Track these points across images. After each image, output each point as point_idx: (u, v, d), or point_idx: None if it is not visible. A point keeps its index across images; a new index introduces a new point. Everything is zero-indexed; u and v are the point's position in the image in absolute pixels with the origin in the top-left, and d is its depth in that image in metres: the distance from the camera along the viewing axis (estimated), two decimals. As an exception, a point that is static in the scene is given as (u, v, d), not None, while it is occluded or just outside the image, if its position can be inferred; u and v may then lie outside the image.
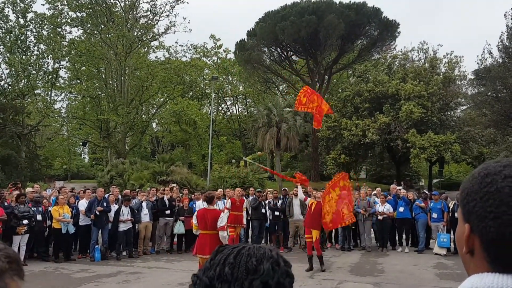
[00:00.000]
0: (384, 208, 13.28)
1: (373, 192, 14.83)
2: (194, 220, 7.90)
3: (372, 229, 13.76)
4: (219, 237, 7.60)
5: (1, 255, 0.76)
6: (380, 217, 13.24)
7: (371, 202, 13.70)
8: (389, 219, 13.28)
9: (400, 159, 31.76)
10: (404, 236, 13.85)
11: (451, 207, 13.11)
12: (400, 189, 15.11)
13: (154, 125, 44.85)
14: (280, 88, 44.16)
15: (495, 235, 0.85)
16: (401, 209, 13.26)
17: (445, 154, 27.50)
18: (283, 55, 36.64)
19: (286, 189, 15.85)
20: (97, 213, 11.59)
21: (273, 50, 36.02)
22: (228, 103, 48.56)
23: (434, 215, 12.87)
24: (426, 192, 15.89)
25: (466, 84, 32.52)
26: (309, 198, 11.63)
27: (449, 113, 30.38)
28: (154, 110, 38.66)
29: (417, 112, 26.24)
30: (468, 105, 33.66)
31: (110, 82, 33.28)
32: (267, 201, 14.15)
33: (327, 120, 29.81)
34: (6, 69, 33.50)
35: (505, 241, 0.84)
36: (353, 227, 13.59)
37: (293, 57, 37.90)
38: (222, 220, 7.60)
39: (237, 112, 48.71)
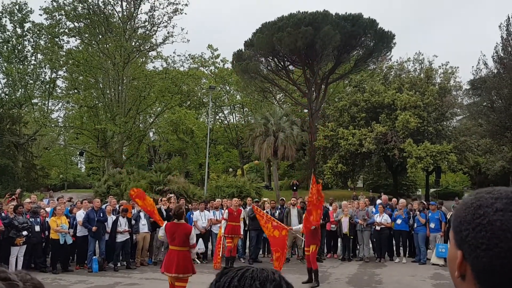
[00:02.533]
0: (382, 218, 13.32)
1: (378, 201, 14.92)
2: (161, 232, 7.50)
3: (370, 240, 13.78)
4: (190, 254, 7.29)
5: (28, 285, 0.78)
6: (377, 227, 13.27)
7: (370, 212, 13.74)
8: (387, 229, 13.31)
9: (397, 168, 31.86)
10: (401, 246, 13.88)
11: (448, 217, 13.15)
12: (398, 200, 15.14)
13: (151, 134, 44.86)
14: (277, 97, 44.30)
15: (486, 266, 0.89)
16: (398, 221, 13.27)
17: (442, 164, 27.61)
18: (280, 65, 36.87)
19: (284, 199, 15.87)
20: (95, 227, 11.58)
21: (270, 60, 36.24)
22: (225, 112, 48.69)
23: (432, 225, 12.85)
24: (424, 202, 15.93)
25: (461, 94, 32.81)
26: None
27: (445, 123, 30.57)
28: (152, 120, 38.69)
29: (413, 122, 26.40)
30: (464, 115, 33.88)
31: (108, 91, 33.32)
32: (264, 211, 14.14)
33: (324, 130, 29.94)
34: (3, 79, 33.63)
35: (495, 272, 0.88)
36: (352, 237, 13.61)
37: (290, 67, 38.12)
38: (193, 237, 7.27)
39: (234, 121, 48.80)
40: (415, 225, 13.08)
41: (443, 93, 29.07)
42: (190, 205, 14.91)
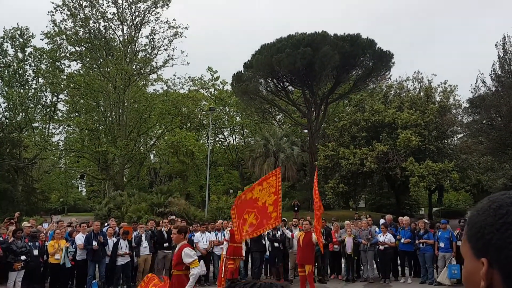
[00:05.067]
0: (385, 238, 13.13)
1: (381, 221, 14.74)
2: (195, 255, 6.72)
3: (374, 260, 13.55)
4: (188, 276, 6.26)
5: None
6: (381, 247, 13.06)
7: (373, 231, 13.56)
8: (391, 249, 13.10)
9: (399, 187, 31.67)
10: (407, 266, 13.64)
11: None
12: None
13: (152, 156, 44.82)
14: (277, 118, 44.45)
15: None
16: (403, 240, 13.06)
17: (444, 182, 27.45)
18: (279, 86, 37.09)
19: (286, 219, 15.69)
20: (96, 245, 11.38)
21: (269, 81, 36.48)
22: (225, 133, 48.75)
23: (441, 245, 12.56)
24: (426, 221, 15.70)
25: (461, 112, 32.85)
26: (296, 232, 11.38)
27: (446, 141, 30.52)
28: (152, 142, 38.71)
29: (414, 141, 26.36)
30: (464, 133, 33.87)
31: (109, 114, 33.44)
32: (265, 232, 13.95)
33: (324, 150, 29.87)
34: (4, 103, 33.79)
35: None
36: (356, 258, 13.39)
37: (289, 87, 38.36)
38: (188, 254, 6.33)
39: (234, 143, 48.80)
40: (421, 245, 12.86)
41: (443, 111, 29.13)
42: (191, 227, 14.74)
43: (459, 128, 32.17)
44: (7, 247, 10.32)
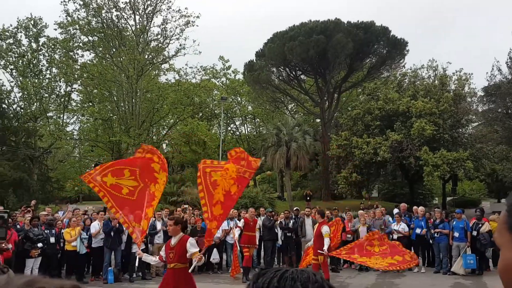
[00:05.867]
0: (399, 227, 13.06)
1: (395, 211, 14.70)
2: (162, 253, 6.37)
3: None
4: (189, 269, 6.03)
5: None
6: (395, 237, 13.00)
7: (387, 221, 13.49)
8: (405, 238, 13.03)
9: (413, 177, 31.42)
10: (420, 256, 13.57)
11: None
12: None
13: (164, 146, 45.02)
14: (289, 107, 44.27)
15: None
16: (418, 230, 12.98)
17: (458, 172, 27.17)
18: (291, 75, 36.87)
19: (298, 208, 15.71)
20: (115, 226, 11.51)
21: (281, 70, 36.27)
22: (237, 123, 48.71)
23: (456, 234, 12.44)
24: (438, 210, 15.54)
25: (476, 101, 32.38)
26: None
27: (460, 130, 30.15)
28: (165, 132, 38.88)
29: (429, 130, 26.07)
30: (479, 122, 33.41)
31: (122, 104, 33.63)
32: (278, 222, 14.00)
33: (337, 139, 29.72)
34: (19, 93, 34.14)
35: None
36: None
37: (302, 76, 38.11)
38: (194, 244, 6.13)
39: (246, 132, 48.78)
40: (436, 235, 12.77)
41: (458, 100, 28.72)
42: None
43: (474, 117, 31.73)
44: (24, 234, 10.49)
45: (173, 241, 6.15)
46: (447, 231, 12.66)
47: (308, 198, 31.10)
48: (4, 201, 27.87)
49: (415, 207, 14.81)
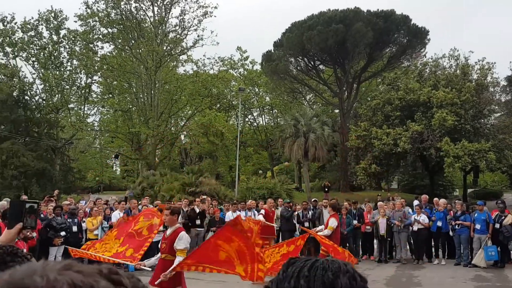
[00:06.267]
0: (420, 218, 12.92)
1: (415, 202, 14.55)
2: (188, 244, 5.96)
3: (407, 241, 13.39)
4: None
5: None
6: (415, 228, 12.87)
7: (406, 212, 13.35)
8: (425, 230, 12.89)
9: (433, 168, 30.98)
10: (440, 248, 13.42)
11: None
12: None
13: (182, 137, 45.38)
14: (307, 98, 44.01)
15: None
16: (439, 222, 12.82)
17: (480, 163, 26.68)
18: (310, 65, 36.57)
19: (317, 200, 15.66)
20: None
21: (300, 60, 36.00)
22: (255, 114, 48.65)
23: (478, 226, 12.22)
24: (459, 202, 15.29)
25: (499, 90, 31.63)
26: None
27: (482, 120, 29.55)
28: (183, 123, 39.16)
29: (450, 120, 25.63)
30: (502, 112, 32.67)
31: (141, 96, 33.96)
32: (295, 213, 13.97)
33: (356, 130, 29.45)
34: (41, 85, 34.77)
35: None
36: (389, 239, 13.26)
37: (321, 66, 37.76)
38: (184, 240, 5.73)
39: (264, 123, 48.73)
40: (457, 227, 12.59)
41: (480, 90, 28.10)
42: (222, 206, 14.96)
43: (496, 107, 31.05)
44: (47, 223, 10.74)
45: (169, 231, 5.97)
46: (468, 223, 12.46)
47: (326, 189, 30.98)
48: (28, 190, 28.58)
49: (436, 199, 14.62)
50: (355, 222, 13.51)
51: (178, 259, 5.57)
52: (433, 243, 13.35)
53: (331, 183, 35.01)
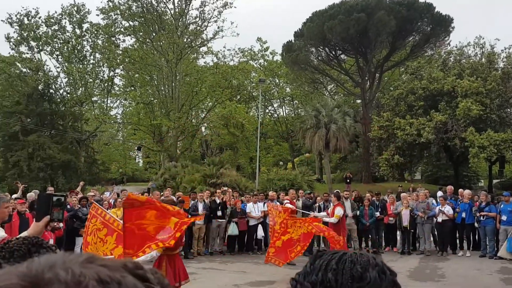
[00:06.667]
0: (444, 209, 12.72)
1: (439, 193, 14.33)
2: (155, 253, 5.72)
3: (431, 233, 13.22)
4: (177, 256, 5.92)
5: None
6: (439, 219, 12.69)
7: (430, 204, 13.16)
8: (450, 221, 12.69)
9: (458, 159, 30.37)
10: (465, 239, 13.20)
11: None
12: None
13: (203, 129, 45.66)
14: (328, 88, 43.59)
15: None
16: (464, 214, 12.59)
17: (506, 153, 26.02)
18: (331, 55, 36.17)
19: (339, 191, 15.55)
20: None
21: (320, 50, 35.63)
22: (275, 105, 48.53)
23: (504, 218, 11.94)
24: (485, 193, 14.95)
25: (527, 79, 30.62)
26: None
27: (509, 110, 28.75)
28: (203, 115, 39.37)
29: (475, 110, 25.02)
30: (530, 101, 31.67)
31: (162, 88, 34.27)
32: (316, 205, 13.89)
33: (379, 120, 29.08)
34: (65, 78, 35.46)
35: None
36: (412, 231, 13.11)
37: (342, 56, 37.30)
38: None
39: (284, 114, 48.56)
40: (482, 218, 12.35)
41: (506, 79, 27.29)
42: (243, 197, 15.03)
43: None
44: (73, 214, 11.00)
45: None
46: (493, 214, 12.21)
47: (348, 180, 30.76)
48: (54, 182, 29.31)
49: (460, 190, 14.36)
50: (377, 214, 13.40)
51: (150, 255, 5.46)
52: (457, 235, 13.14)
53: (353, 174, 34.73)
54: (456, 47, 33.74)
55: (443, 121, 25.88)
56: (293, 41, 35.63)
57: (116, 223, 5.86)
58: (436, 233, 13.20)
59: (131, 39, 34.89)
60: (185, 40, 33.30)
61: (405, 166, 31.21)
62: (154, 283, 0.59)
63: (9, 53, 34.11)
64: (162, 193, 14.37)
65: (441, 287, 9.07)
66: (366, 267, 0.97)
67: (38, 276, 0.54)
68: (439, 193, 15.49)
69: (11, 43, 33.40)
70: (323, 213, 11.75)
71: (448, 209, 12.70)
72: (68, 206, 11.52)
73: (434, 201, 13.80)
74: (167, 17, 34.35)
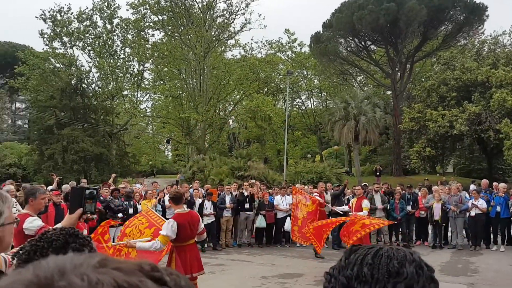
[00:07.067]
0: (477, 203, 12.38)
1: (472, 187, 13.94)
2: (170, 232, 5.45)
3: (463, 227, 12.90)
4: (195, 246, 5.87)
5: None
6: (472, 213, 12.36)
7: (463, 197, 12.82)
8: (483, 215, 12.35)
9: (492, 151, 29.47)
10: (499, 234, 12.82)
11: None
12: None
13: (230, 122, 45.89)
14: (357, 80, 42.94)
15: None
16: (498, 208, 12.22)
17: (543, 145, 25.06)
18: (360, 45, 35.56)
19: (367, 184, 15.36)
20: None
21: (350, 41, 35.08)
22: (303, 97, 48.21)
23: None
24: None
25: None
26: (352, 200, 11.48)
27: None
28: (231, 107, 39.55)
29: (510, 100, 24.17)
30: None
31: (190, 81, 34.59)
32: (345, 197, 13.75)
33: (410, 112, 28.51)
34: (97, 73, 36.29)
35: None
36: (444, 224, 12.83)
37: (372, 46, 36.62)
38: (164, 227, 5.60)
39: (312, 107, 48.19)
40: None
41: (543, 68, 26.20)
42: (270, 190, 15.04)
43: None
44: (106, 205, 11.30)
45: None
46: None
47: (378, 173, 30.34)
48: (87, 174, 30.15)
49: (495, 183, 13.92)
50: (409, 207, 13.17)
51: (152, 242, 5.42)
52: (491, 229, 12.79)
53: (383, 167, 34.21)
54: (490, 36, 32.70)
55: (476, 112, 25.13)
56: (321, 32, 35.21)
57: (162, 222, 5.99)
58: (468, 227, 12.88)
59: (160, 33, 35.36)
60: (212, 33, 33.46)
61: (437, 158, 30.55)
62: (172, 285, 0.54)
63: (43, 48, 35.21)
64: (190, 186, 14.55)
65: (473, 282, 8.84)
66: (403, 263, 0.96)
67: (48, 285, 0.47)
68: (472, 187, 15.07)
69: (45, 39, 34.42)
70: (346, 208, 11.65)
71: (481, 203, 12.36)
72: (102, 198, 11.84)
73: (467, 195, 13.46)
74: (195, 11, 34.56)
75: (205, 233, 6.40)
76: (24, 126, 56.59)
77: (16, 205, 5.73)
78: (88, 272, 0.49)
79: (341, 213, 11.67)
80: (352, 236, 9.44)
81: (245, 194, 13.48)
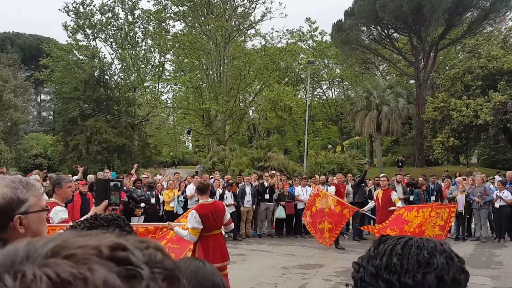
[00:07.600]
0: (502, 194, 12.12)
1: (496, 178, 13.63)
2: (195, 224, 5.53)
3: (488, 219, 12.66)
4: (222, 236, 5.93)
5: (157, 273, 0.48)
6: (497, 205, 12.11)
7: (487, 189, 12.57)
8: (508, 207, 12.08)
9: (518, 141, 28.70)
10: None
11: None
12: None
13: (250, 112, 45.92)
14: (380, 69, 42.26)
15: None
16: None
17: None
18: (383, 34, 34.91)
19: (386, 175, 15.17)
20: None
21: (372, 29, 34.46)
22: (324, 87, 47.79)
23: None
24: None
25: None
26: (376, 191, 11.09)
27: None
28: (251, 98, 39.52)
29: (538, 89, 23.45)
30: None
31: (210, 72, 34.67)
32: (367, 188, 13.62)
33: (433, 101, 27.95)
34: (119, 64, 36.72)
35: None
36: (467, 216, 12.61)
37: (395, 34, 35.89)
38: (189, 219, 5.66)
39: (333, 96, 47.74)
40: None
41: None
42: (291, 181, 15.03)
43: None
44: (129, 195, 11.52)
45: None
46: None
47: (400, 164, 29.94)
48: (110, 165, 30.70)
49: (509, 172, 13.59)
50: (432, 198, 12.99)
51: (187, 232, 5.50)
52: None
53: (406, 157, 33.74)
54: (518, 22, 31.62)
55: (502, 101, 24.44)
56: (343, 20, 34.70)
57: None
58: (493, 219, 12.63)
59: (181, 24, 35.47)
60: (233, 23, 33.38)
61: (461, 149, 29.91)
62: (139, 263, 0.47)
63: (67, 41, 35.77)
64: (211, 176, 14.67)
65: (497, 275, 8.69)
66: (433, 253, 0.96)
67: None
68: (497, 178, 14.75)
69: (68, 31, 34.94)
70: (372, 204, 11.31)
71: (506, 194, 12.10)
72: (125, 188, 12.08)
73: (491, 186, 13.18)
74: (215, 1, 34.50)
75: (232, 224, 6.50)
76: (49, 117, 57.98)
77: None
78: (28, 266, 0.43)
79: (373, 217, 11.20)
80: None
81: (265, 185, 13.52)
